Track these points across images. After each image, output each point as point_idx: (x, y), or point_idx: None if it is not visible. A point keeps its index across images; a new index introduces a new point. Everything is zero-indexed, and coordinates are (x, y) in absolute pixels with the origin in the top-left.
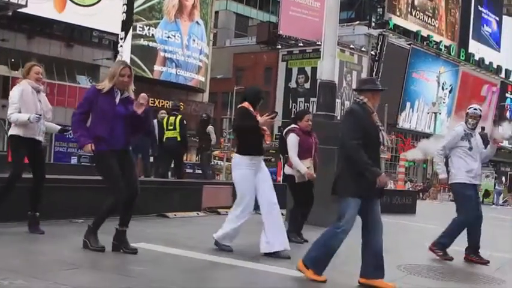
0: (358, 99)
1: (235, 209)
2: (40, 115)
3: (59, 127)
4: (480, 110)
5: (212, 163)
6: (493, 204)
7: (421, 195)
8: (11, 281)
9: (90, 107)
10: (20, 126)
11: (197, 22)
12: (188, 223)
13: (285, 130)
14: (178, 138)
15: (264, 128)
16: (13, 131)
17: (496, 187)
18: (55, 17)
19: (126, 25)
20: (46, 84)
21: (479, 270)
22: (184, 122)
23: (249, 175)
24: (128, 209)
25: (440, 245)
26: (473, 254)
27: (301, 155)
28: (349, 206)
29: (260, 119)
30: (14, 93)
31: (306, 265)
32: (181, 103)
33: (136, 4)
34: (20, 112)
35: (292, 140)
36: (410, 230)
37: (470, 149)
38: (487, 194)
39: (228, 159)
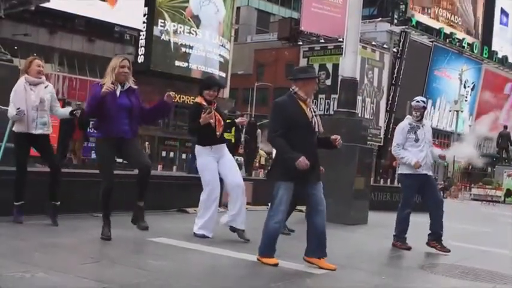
0: (290, 90)
1: (202, 196)
2: (20, 109)
3: (68, 110)
4: (424, 102)
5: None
6: None
7: (442, 194)
8: (32, 274)
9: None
10: (16, 122)
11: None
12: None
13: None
14: (233, 140)
15: (210, 121)
16: (14, 127)
17: None
18: (77, 11)
19: (148, 21)
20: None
21: (501, 270)
22: (240, 126)
23: (210, 162)
24: (142, 184)
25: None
26: (435, 240)
27: None
28: (279, 188)
29: (202, 118)
30: (12, 92)
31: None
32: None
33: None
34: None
35: None
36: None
37: (417, 140)
38: (509, 193)
39: None
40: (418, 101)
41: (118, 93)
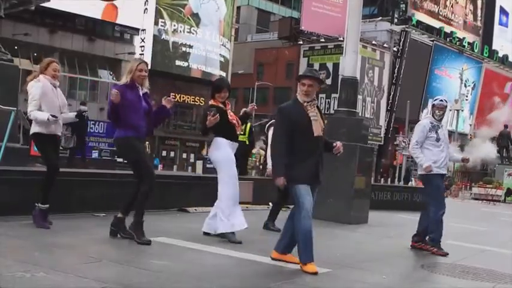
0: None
1: (226, 190)
2: (57, 117)
3: (74, 114)
4: (446, 101)
5: None
6: None
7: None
8: (32, 273)
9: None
10: (42, 124)
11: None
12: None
13: (268, 124)
14: (247, 143)
15: (216, 119)
16: (35, 128)
17: None
18: (77, 11)
19: (148, 20)
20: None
21: (501, 270)
22: (253, 129)
23: (231, 155)
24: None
25: (433, 242)
26: (421, 241)
27: None
28: (300, 192)
29: (208, 121)
30: (35, 89)
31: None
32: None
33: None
34: (40, 109)
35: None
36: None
37: (438, 139)
38: (509, 192)
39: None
40: (441, 100)
41: (141, 94)
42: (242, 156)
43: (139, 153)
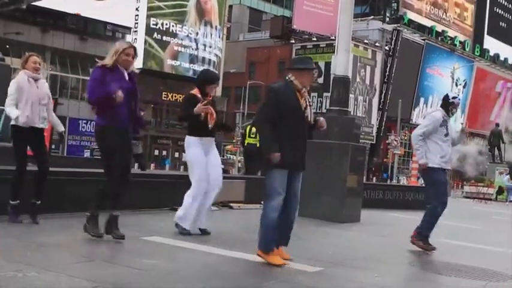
0: (286, 77)
1: (190, 190)
2: (27, 121)
3: (63, 129)
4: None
5: (224, 157)
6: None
7: None
8: (24, 273)
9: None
10: (20, 116)
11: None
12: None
13: None
14: (258, 145)
15: (206, 110)
16: (14, 121)
17: (508, 183)
18: (69, 10)
19: (140, 19)
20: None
21: (493, 268)
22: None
23: (200, 156)
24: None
25: (421, 236)
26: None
27: None
28: (274, 178)
29: (197, 107)
30: (10, 85)
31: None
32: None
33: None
34: (17, 104)
35: None
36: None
37: (447, 135)
38: (500, 190)
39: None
40: (459, 98)
41: (125, 76)
42: (256, 159)
43: (111, 147)
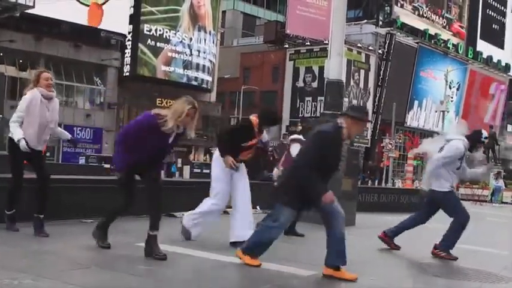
0: (338, 122)
1: (207, 201)
2: (28, 150)
3: (69, 136)
4: None
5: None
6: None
7: None
8: (19, 280)
9: (139, 135)
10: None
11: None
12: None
13: (290, 138)
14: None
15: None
16: (13, 136)
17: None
18: (62, 17)
19: (134, 26)
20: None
21: (488, 269)
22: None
23: (225, 174)
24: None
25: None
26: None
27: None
28: (287, 215)
29: (227, 161)
30: (22, 102)
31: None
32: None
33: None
34: (22, 122)
35: (295, 151)
36: (417, 228)
37: (459, 168)
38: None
39: None
40: (487, 138)
41: (171, 139)
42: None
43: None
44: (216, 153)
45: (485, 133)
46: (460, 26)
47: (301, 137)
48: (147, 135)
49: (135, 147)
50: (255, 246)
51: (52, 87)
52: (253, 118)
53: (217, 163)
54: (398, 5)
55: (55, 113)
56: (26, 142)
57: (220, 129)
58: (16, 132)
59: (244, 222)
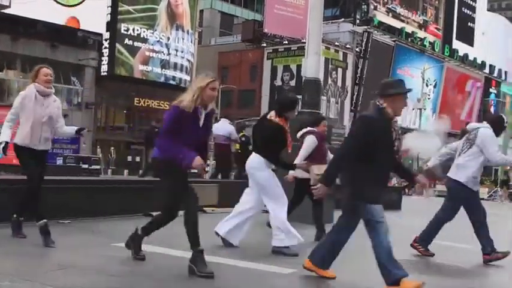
0: (377, 103)
1: (278, 213)
2: (5, 154)
3: (75, 129)
4: None
5: None
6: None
7: (406, 191)
8: None
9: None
10: (18, 134)
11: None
12: (175, 222)
13: (302, 132)
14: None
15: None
16: (15, 138)
17: None
18: (39, 17)
19: (111, 25)
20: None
21: (466, 265)
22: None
23: (272, 176)
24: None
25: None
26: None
27: (318, 160)
28: (377, 211)
29: (299, 169)
30: (16, 99)
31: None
32: (166, 102)
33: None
34: (14, 121)
35: (310, 142)
36: (395, 225)
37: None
38: None
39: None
40: None
41: (201, 122)
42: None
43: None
44: (258, 161)
45: (505, 118)
46: (436, 28)
47: (311, 128)
48: (180, 126)
49: (177, 142)
50: (387, 259)
51: (51, 83)
52: (274, 116)
53: (261, 170)
54: (372, 7)
55: (52, 110)
56: (5, 147)
57: (259, 148)
58: (3, 134)
59: (242, 227)
